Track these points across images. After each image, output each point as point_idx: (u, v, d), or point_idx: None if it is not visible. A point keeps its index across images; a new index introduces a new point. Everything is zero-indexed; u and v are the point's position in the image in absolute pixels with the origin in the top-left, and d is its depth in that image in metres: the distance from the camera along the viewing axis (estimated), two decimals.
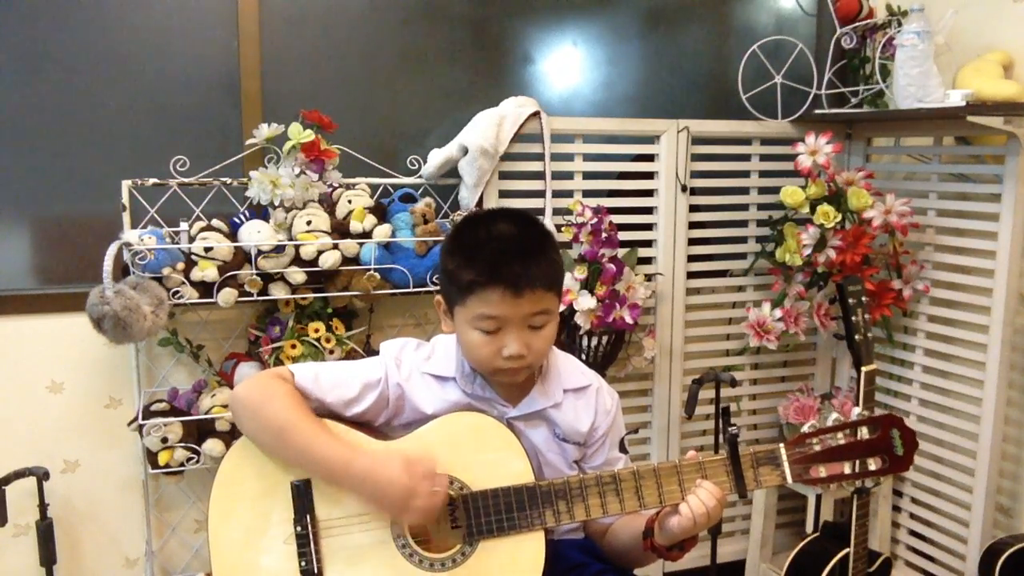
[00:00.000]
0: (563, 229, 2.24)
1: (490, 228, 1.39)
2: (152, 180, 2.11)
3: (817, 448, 1.32)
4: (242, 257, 2.06)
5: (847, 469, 1.32)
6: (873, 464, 1.32)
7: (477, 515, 1.35)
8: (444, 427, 1.41)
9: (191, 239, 2.06)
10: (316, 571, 1.35)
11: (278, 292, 2.09)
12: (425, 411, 1.44)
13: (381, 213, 2.19)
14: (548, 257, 1.38)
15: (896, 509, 2.53)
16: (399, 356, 1.48)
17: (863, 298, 1.95)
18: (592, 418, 1.50)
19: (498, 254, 1.34)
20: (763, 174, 2.56)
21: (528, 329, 1.37)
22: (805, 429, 1.33)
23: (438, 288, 1.47)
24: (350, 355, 2.18)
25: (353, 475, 1.31)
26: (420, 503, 1.28)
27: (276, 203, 2.08)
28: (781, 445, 1.33)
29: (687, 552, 1.37)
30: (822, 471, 1.32)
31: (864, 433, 1.32)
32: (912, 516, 2.51)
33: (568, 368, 1.52)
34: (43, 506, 2.08)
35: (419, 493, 1.28)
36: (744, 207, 2.56)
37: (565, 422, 1.48)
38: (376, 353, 1.52)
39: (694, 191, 2.47)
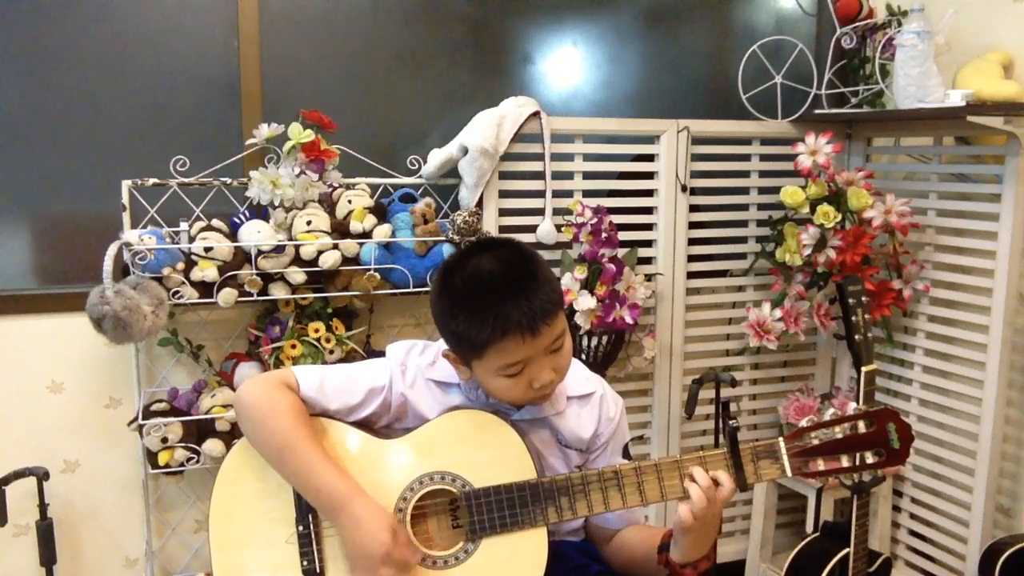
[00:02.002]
0: (563, 229, 2.24)
1: (477, 274, 1.32)
2: (152, 180, 2.11)
3: (816, 442, 1.33)
4: (242, 257, 2.06)
5: (845, 462, 1.33)
6: (870, 457, 1.33)
7: (479, 512, 1.35)
8: (446, 424, 1.41)
9: (191, 239, 2.06)
10: (318, 571, 1.35)
11: (278, 292, 2.09)
12: (428, 417, 1.44)
13: (381, 213, 2.19)
14: (544, 281, 1.33)
15: (896, 509, 2.53)
16: (404, 361, 1.47)
17: (863, 298, 1.95)
18: (595, 425, 1.50)
19: (500, 302, 1.28)
20: (763, 174, 2.56)
21: (551, 355, 1.35)
22: (803, 423, 1.34)
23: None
24: (350, 355, 2.18)
25: (344, 515, 1.31)
26: (388, 571, 1.28)
27: (276, 203, 2.08)
28: (780, 439, 1.34)
29: (701, 571, 1.37)
30: (820, 464, 1.33)
31: (861, 427, 1.33)
32: (912, 516, 2.50)
33: (573, 374, 1.50)
34: (43, 506, 2.08)
35: (394, 561, 1.28)
36: (744, 207, 2.56)
37: (568, 429, 1.48)
38: (377, 354, 1.52)
39: (694, 191, 2.47)
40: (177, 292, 2.00)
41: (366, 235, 2.12)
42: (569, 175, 2.37)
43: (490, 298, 1.30)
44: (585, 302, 2.15)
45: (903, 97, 2.26)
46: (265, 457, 1.38)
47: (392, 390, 1.44)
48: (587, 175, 2.39)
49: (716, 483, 1.30)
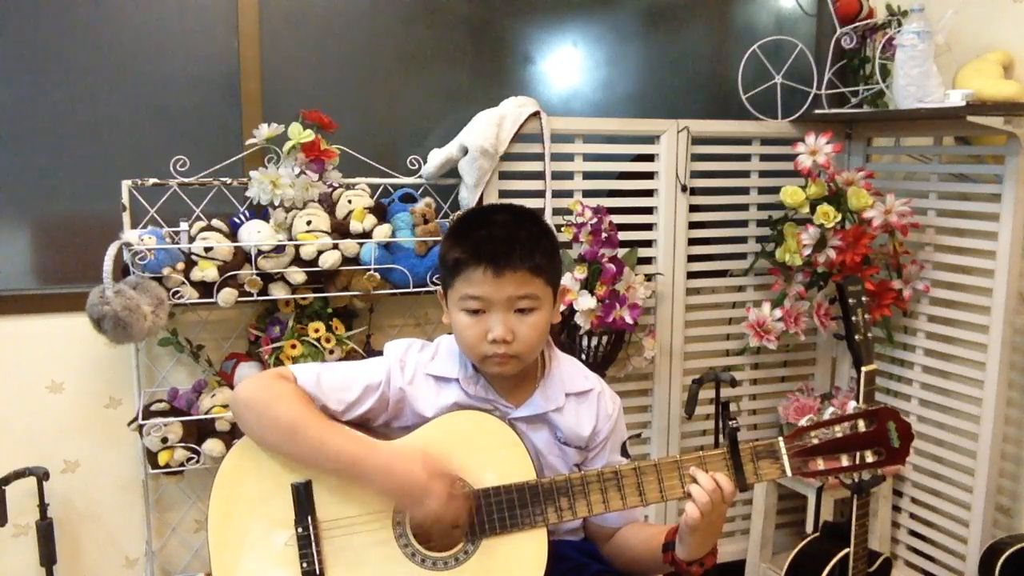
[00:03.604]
0: (563, 229, 2.24)
1: (488, 216, 1.44)
2: (152, 180, 2.11)
3: (815, 441, 1.33)
4: (242, 257, 2.06)
5: (845, 461, 1.33)
6: (870, 456, 1.33)
7: (479, 513, 1.35)
8: (446, 425, 1.41)
9: (191, 239, 2.06)
10: (318, 572, 1.34)
11: (278, 292, 2.09)
12: (426, 414, 1.43)
13: (381, 213, 2.19)
14: (539, 246, 1.39)
15: (896, 509, 2.53)
16: (403, 358, 1.47)
17: (863, 298, 1.95)
18: (594, 423, 1.50)
19: (486, 236, 1.38)
20: (763, 174, 2.56)
21: (514, 314, 1.37)
22: (803, 423, 1.34)
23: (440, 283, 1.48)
24: (350, 355, 2.18)
25: (370, 468, 1.31)
26: (434, 499, 1.28)
27: (276, 203, 2.08)
28: (780, 438, 1.34)
29: (707, 568, 1.37)
30: (820, 464, 1.34)
31: (861, 426, 1.33)
32: (912, 516, 2.50)
33: (571, 371, 1.52)
34: (43, 506, 2.08)
35: (434, 488, 1.29)
36: (744, 207, 2.56)
37: (567, 426, 1.48)
38: (376, 354, 1.52)
39: (694, 191, 2.47)
40: (177, 292, 2.00)
41: (366, 235, 2.12)
42: (569, 175, 2.37)
43: (479, 230, 1.39)
44: (585, 302, 2.15)
45: (903, 97, 2.26)
46: (273, 443, 1.37)
47: (390, 385, 1.44)
48: (587, 175, 2.39)
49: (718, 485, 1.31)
